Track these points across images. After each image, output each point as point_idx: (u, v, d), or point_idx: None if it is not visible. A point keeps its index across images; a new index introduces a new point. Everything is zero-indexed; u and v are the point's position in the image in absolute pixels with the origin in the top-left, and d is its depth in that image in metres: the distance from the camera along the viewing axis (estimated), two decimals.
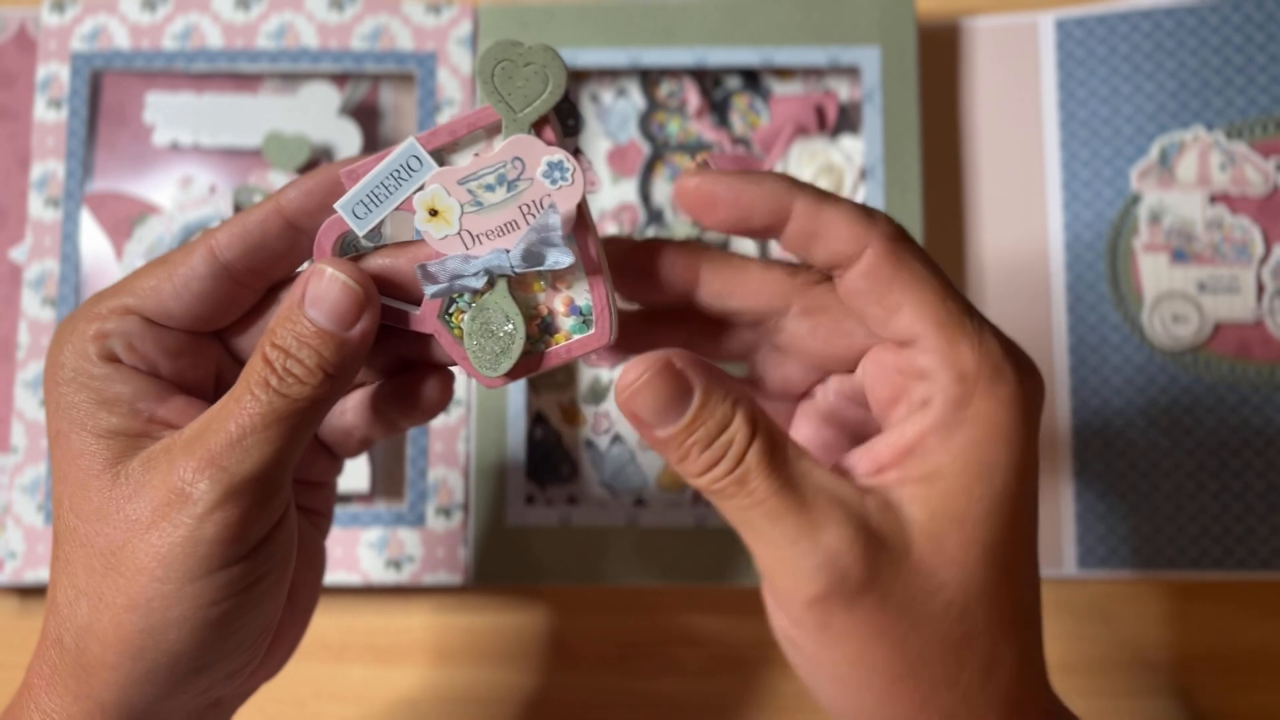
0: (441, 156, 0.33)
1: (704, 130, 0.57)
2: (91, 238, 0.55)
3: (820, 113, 0.56)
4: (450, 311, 0.34)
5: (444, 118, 0.55)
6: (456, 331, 0.34)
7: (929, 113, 0.57)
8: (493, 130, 0.32)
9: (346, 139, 0.56)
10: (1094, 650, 0.54)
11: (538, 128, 0.32)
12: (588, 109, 0.58)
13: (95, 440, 0.32)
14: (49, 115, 0.55)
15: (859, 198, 0.55)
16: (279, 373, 0.31)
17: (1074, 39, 0.56)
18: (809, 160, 0.56)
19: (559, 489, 0.55)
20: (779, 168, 0.56)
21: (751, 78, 0.58)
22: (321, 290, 0.32)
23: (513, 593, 0.55)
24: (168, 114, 0.56)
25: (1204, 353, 0.54)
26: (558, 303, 0.34)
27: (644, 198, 0.57)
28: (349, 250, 0.34)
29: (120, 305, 0.33)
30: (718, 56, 0.55)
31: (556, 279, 0.34)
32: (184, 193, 0.55)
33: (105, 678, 0.32)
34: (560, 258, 0.32)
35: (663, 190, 0.57)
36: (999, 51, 0.57)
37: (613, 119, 0.58)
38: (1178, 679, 0.53)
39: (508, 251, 0.33)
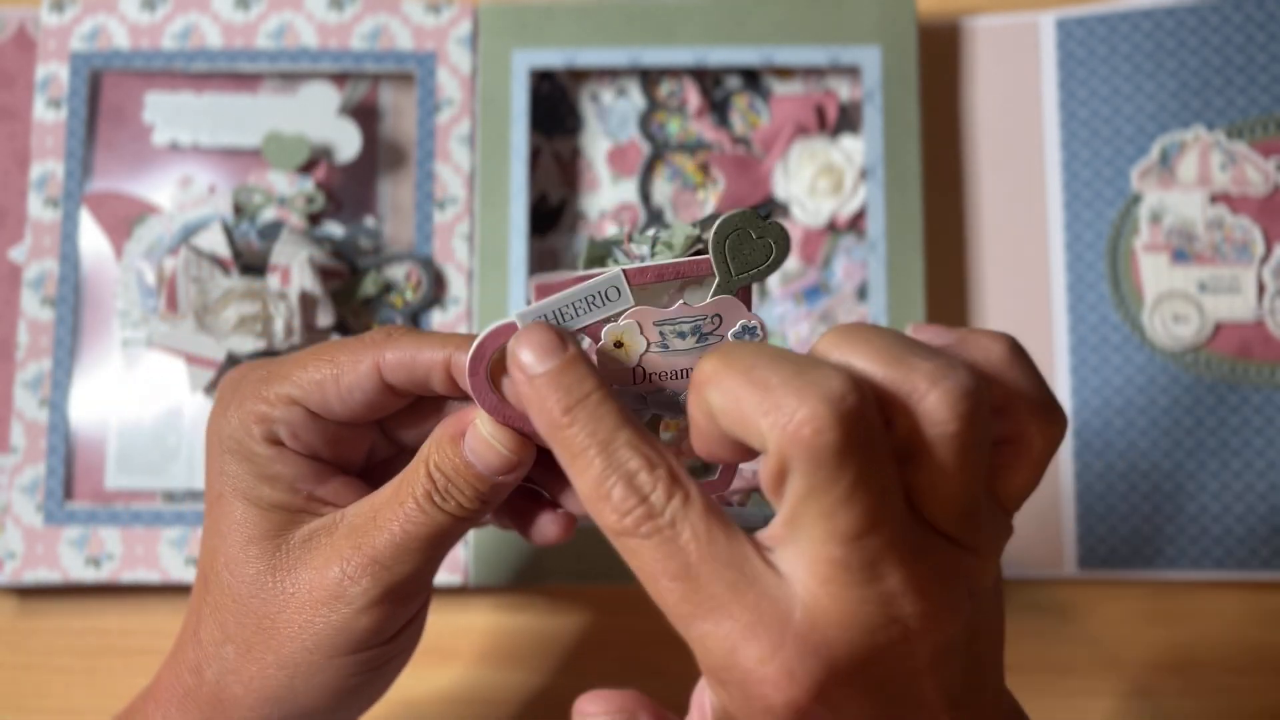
0: (634, 291, 0.33)
1: (704, 130, 0.57)
2: (91, 238, 0.55)
3: (820, 112, 0.56)
4: None
5: (443, 118, 0.55)
6: None
7: (929, 112, 0.57)
8: (691, 281, 0.33)
9: (346, 139, 0.56)
10: (1094, 650, 0.54)
11: (741, 291, 0.33)
12: (588, 109, 0.58)
13: (256, 510, 0.35)
14: (48, 115, 0.55)
15: (859, 198, 0.55)
16: (442, 493, 0.34)
17: (1075, 38, 0.56)
18: (809, 160, 0.56)
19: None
20: (779, 167, 0.56)
21: (752, 77, 0.58)
22: (476, 446, 0.33)
23: (513, 593, 0.55)
24: (167, 114, 0.56)
25: (1205, 353, 0.54)
26: (689, 444, 0.35)
27: (644, 197, 0.57)
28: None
29: (287, 395, 0.35)
30: (718, 56, 0.55)
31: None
32: (183, 192, 0.55)
33: (240, 715, 0.36)
34: None
35: (662, 190, 0.57)
36: (999, 51, 0.57)
37: (613, 119, 0.58)
38: (1178, 679, 0.53)
39: (678, 396, 0.34)
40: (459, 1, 0.57)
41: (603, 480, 0.28)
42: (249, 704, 0.35)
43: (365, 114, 0.57)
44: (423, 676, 0.54)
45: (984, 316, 0.56)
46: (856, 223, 0.56)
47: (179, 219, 0.55)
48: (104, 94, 0.56)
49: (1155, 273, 0.54)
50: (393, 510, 0.34)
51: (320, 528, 0.35)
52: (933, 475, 0.27)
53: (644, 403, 0.34)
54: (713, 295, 0.33)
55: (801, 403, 0.25)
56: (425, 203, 0.55)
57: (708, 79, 0.58)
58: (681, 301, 0.33)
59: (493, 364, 0.33)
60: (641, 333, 0.33)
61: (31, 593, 0.55)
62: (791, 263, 0.56)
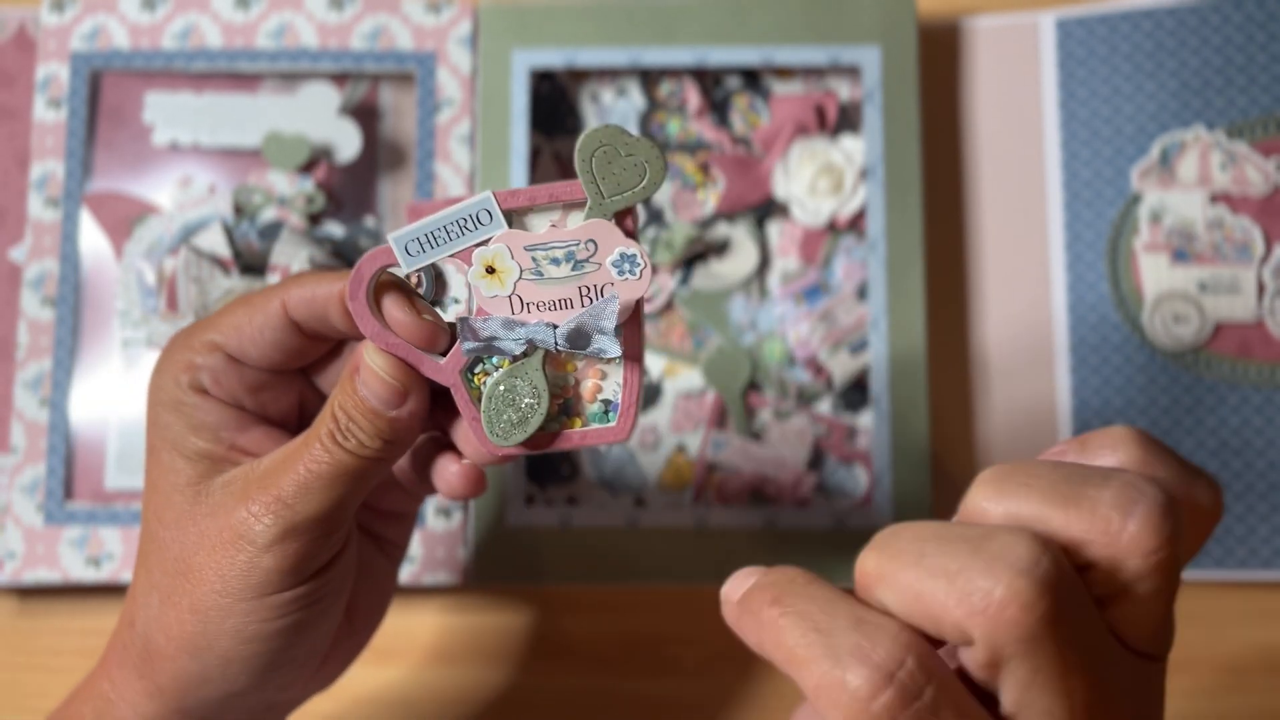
0: (510, 216, 0.32)
1: (704, 130, 0.57)
2: (91, 237, 0.55)
3: (820, 112, 0.56)
4: (475, 371, 0.34)
5: (443, 118, 0.55)
6: (475, 391, 0.34)
7: (929, 112, 0.57)
8: (571, 206, 0.32)
9: (346, 139, 0.56)
10: None
11: (619, 217, 0.32)
12: (588, 109, 0.58)
13: (183, 460, 0.36)
14: (48, 115, 0.55)
15: (859, 198, 0.55)
16: (343, 432, 0.34)
17: (1075, 38, 0.56)
18: (809, 160, 0.56)
19: (559, 489, 0.55)
20: (779, 167, 0.56)
21: (752, 77, 0.58)
22: (366, 377, 0.34)
23: (512, 593, 0.55)
24: (167, 114, 0.56)
25: (1205, 353, 0.54)
26: (585, 388, 0.34)
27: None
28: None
29: (209, 341, 0.36)
30: (718, 56, 0.55)
31: (589, 364, 0.34)
32: (183, 192, 0.55)
33: (165, 666, 0.35)
34: (608, 347, 0.32)
35: (662, 190, 0.57)
36: (999, 51, 0.57)
37: (613, 119, 0.58)
38: (1177, 679, 0.53)
39: (555, 327, 0.32)
40: (459, 1, 0.57)
41: (833, 664, 0.24)
42: (169, 654, 0.35)
43: (365, 114, 0.57)
44: (422, 676, 0.54)
45: (984, 316, 0.56)
46: (856, 223, 0.56)
47: (179, 219, 0.55)
48: (104, 94, 0.56)
49: (1155, 273, 0.54)
50: (300, 451, 0.34)
51: (238, 474, 0.35)
52: (1138, 609, 0.25)
53: (522, 335, 0.33)
54: (585, 217, 0.32)
55: (996, 581, 0.23)
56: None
57: (708, 79, 0.58)
58: (550, 224, 0.32)
59: (376, 290, 0.33)
60: (513, 258, 0.32)
61: (31, 593, 0.55)
62: (791, 263, 0.56)
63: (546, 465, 0.55)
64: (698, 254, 0.56)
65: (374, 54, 0.56)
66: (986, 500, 0.26)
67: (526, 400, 0.33)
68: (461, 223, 0.32)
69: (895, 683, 0.24)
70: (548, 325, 0.32)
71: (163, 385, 0.37)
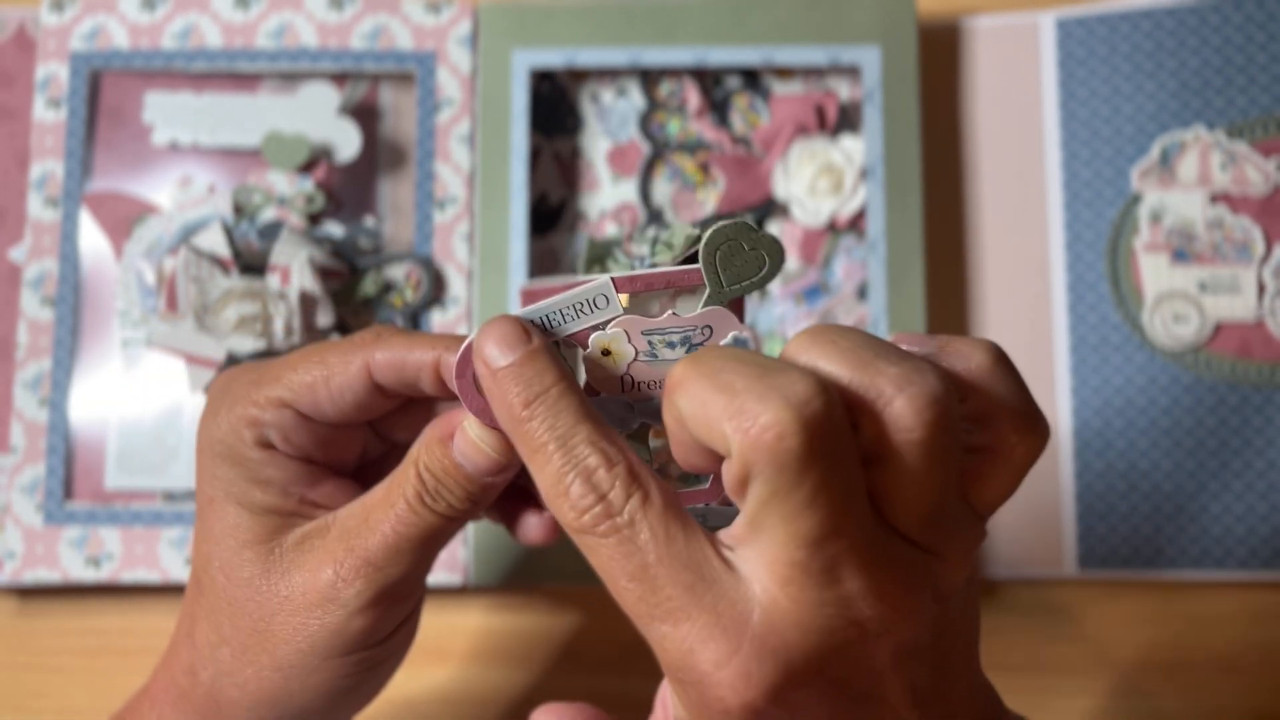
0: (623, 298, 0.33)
1: (704, 130, 0.57)
2: (91, 237, 0.55)
3: (820, 112, 0.56)
4: None
5: (443, 117, 0.55)
6: None
7: (929, 112, 0.57)
8: (682, 290, 0.33)
9: (346, 139, 0.56)
10: (1094, 650, 0.54)
11: (734, 303, 0.33)
12: (588, 109, 0.58)
13: (249, 514, 0.35)
14: (48, 115, 0.55)
15: (859, 198, 0.55)
16: (432, 494, 0.34)
17: (1075, 38, 0.56)
18: (809, 160, 0.56)
19: None
20: (779, 167, 0.56)
21: (752, 77, 0.58)
22: (465, 448, 0.34)
23: (513, 593, 0.55)
24: (167, 113, 0.56)
25: (1205, 353, 0.54)
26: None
27: (644, 197, 0.57)
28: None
29: (277, 398, 0.35)
30: (718, 56, 0.55)
31: None
32: (183, 192, 0.55)
33: (236, 716, 0.36)
34: None
35: (662, 190, 0.57)
36: (999, 51, 0.57)
37: (613, 119, 0.58)
38: (1178, 679, 0.53)
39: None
40: (459, 1, 0.57)
41: (561, 476, 0.28)
42: (245, 705, 0.35)
43: (365, 114, 0.57)
44: (423, 676, 0.54)
45: (984, 316, 0.56)
46: (856, 223, 0.56)
47: (179, 219, 0.55)
48: (104, 94, 0.56)
49: (1155, 273, 0.54)
50: (384, 512, 0.34)
51: (313, 530, 0.35)
52: (898, 481, 0.27)
53: (631, 411, 0.34)
54: (703, 306, 0.32)
55: (765, 407, 0.25)
56: (425, 203, 0.55)
57: (708, 79, 0.58)
58: (671, 312, 0.33)
59: None
60: (629, 341, 0.33)
61: (31, 593, 0.55)
62: (791, 263, 0.56)
63: None
64: (694, 256, 0.56)
65: (374, 54, 0.56)
66: (796, 348, 0.28)
67: None
68: (578, 306, 0.32)
69: (603, 501, 0.28)
70: (659, 404, 0.33)
71: (220, 437, 0.36)
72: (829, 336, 0.28)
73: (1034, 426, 0.29)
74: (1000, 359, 0.29)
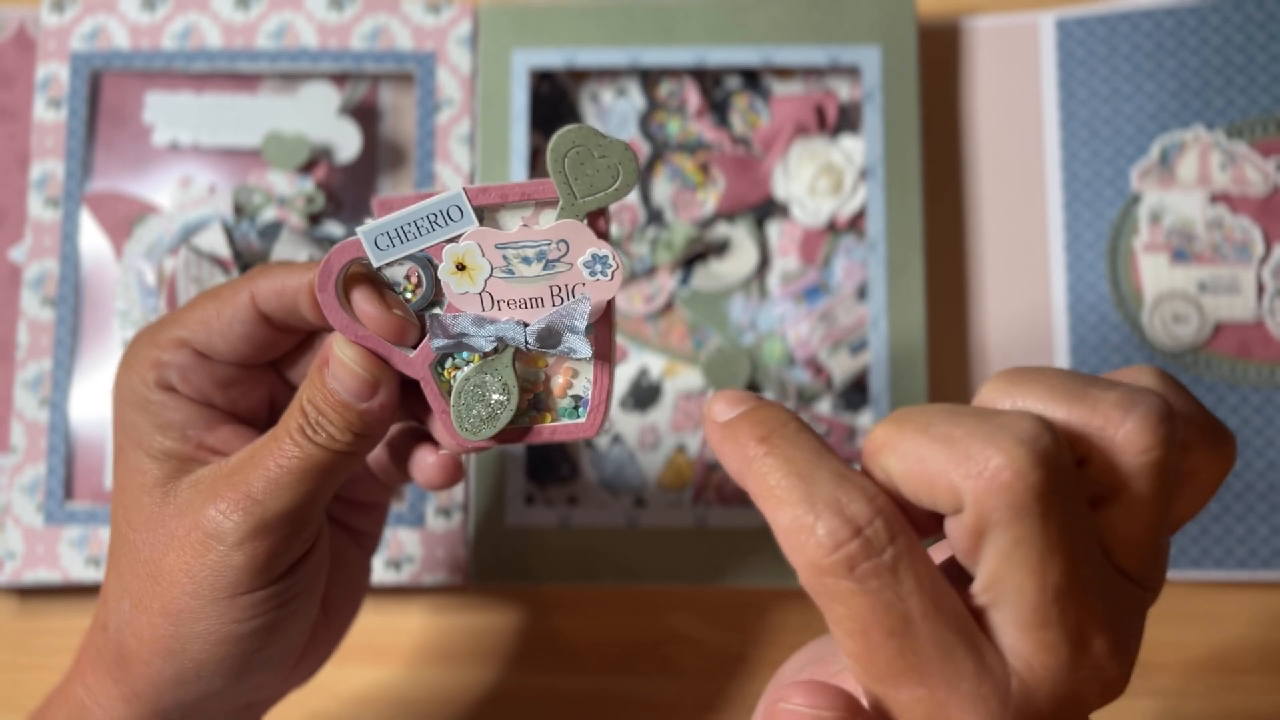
0: (481, 213, 0.32)
1: (704, 130, 0.57)
2: (91, 238, 0.55)
3: (820, 112, 0.56)
4: (445, 365, 0.34)
5: (443, 118, 0.55)
6: (445, 385, 0.34)
7: (929, 113, 0.57)
8: (543, 204, 0.32)
9: (346, 139, 0.56)
10: None
11: (592, 218, 0.32)
12: (588, 109, 0.58)
13: (150, 460, 0.35)
14: (48, 115, 0.55)
15: (859, 198, 0.55)
16: (312, 425, 0.33)
17: (1074, 39, 0.56)
18: (809, 160, 0.56)
19: (559, 489, 0.55)
20: (779, 167, 0.56)
21: (751, 77, 0.58)
22: (336, 369, 0.33)
23: (512, 593, 0.55)
24: (167, 114, 0.56)
25: (1204, 353, 0.54)
26: (556, 384, 0.34)
27: (644, 197, 0.57)
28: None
29: (176, 337, 0.35)
30: (718, 56, 0.55)
31: (560, 361, 0.34)
32: (183, 193, 0.55)
33: (139, 671, 0.35)
34: (579, 347, 0.32)
35: (662, 190, 0.57)
36: (999, 51, 0.57)
37: (613, 119, 0.58)
38: (1177, 679, 0.53)
39: (525, 326, 0.32)
40: (459, 1, 0.57)
41: (806, 510, 0.25)
42: (143, 658, 0.35)
43: (365, 114, 0.57)
44: (422, 676, 0.54)
45: (983, 316, 0.56)
46: (856, 223, 0.56)
47: (179, 219, 0.55)
48: (104, 94, 0.56)
49: (1155, 273, 0.54)
50: (268, 447, 0.34)
51: (206, 474, 0.35)
52: (1126, 514, 0.25)
53: (487, 327, 0.33)
54: (557, 217, 0.32)
55: (996, 449, 0.24)
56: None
57: (708, 79, 0.58)
58: (522, 223, 0.32)
59: (345, 283, 0.33)
60: (483, 255, 0.32)
61: (32, 593, 0.55)
62: (791, 263, 0.56)
63: (546, 465, 0.55)
64: (698, 254, 0.56)
65: (374, 54, 0.56)
66: (996, 393, 0.26)
67: (495, 396, 0.33)
68: (431, 218, 0.32)
69: (860, 537, 0.25)
70: (518, 324, 0.32)
71: (129, 384, 0.36)
72: (1029, 376, 0.26)
73: (1224, 441, 0.27)
74: (1169, 378, 0.28)
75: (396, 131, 0.57)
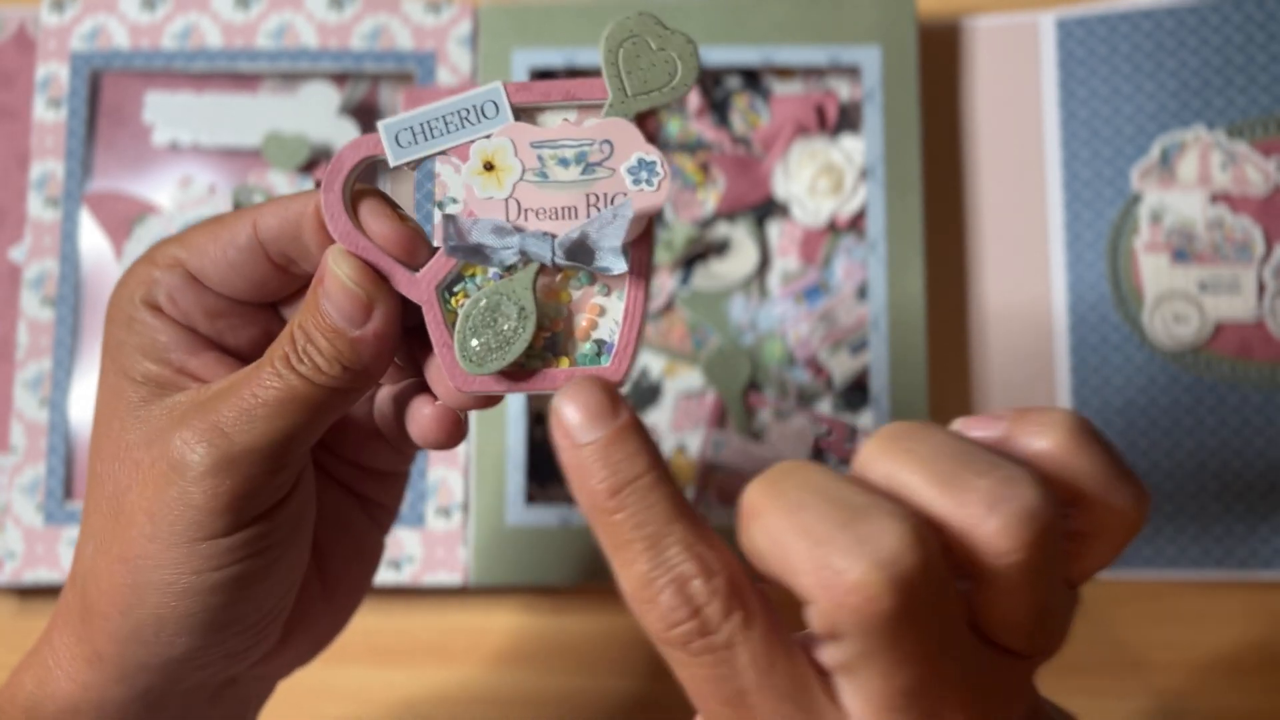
0: (518, 114, 0.29)
1: (704, 130, 0.57)
2: (91, 237, 0.55)
3: (820, 112, 0.56)
4: (454, 290, 0.30)
5: None
6: (451, 315, 0.30)
7: (929, 112, 0.57)
8: (588, 109, 0.29)
9: (346, 138, 0.56)
10: (1094, 651, 0.54)
11: (641, 120, 0.28)
12: None
13: (128, 382, 0.32)
14: (48, 115, 0.55)
15: (859, 197, 0.55)
16: (299, 354, 0.30)
17: (1075, 38, 0.56)
18: (809, 160, 0.56)
19: (559, 489, 0.55)
20: (779, 167, 0.56)
21: (752, 77, 0.58)
22: (329, 286, 0.30)
23: (513, 593, 0.55)
24: (167, 113, 0.56)
25: (1205, 353, 0.53)
26: (578, 323, 0.30)
27: None
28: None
29: (172, 256, 0.32)
30: (718, 56, 0.55)
31: (585, 298, 0.30)
32: (183, 192, 0.55)
33: (99, 625, 0.31)
34: (613, 263, 0.28)
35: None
36: (1000, 51, 0.57)
37: None
38: (1178, 680, 0.53)
39: (554, 238, 0.29)
40: (459, 1, 0.57)
41: (649, 582, 0.25)
42: (102, 612, 0.31)
43: (365, 114, 0.57)
44: (423, 676, 0.54)
45: (984, 316, 0.56)
46: (857, 222, 0.56)
47: (179, 219, 0.55)
48: (104, 94, 0.56)
49: (1155, 272, 0.54)
50: (248, 375, 0.30)
51: (182, 400, 0.31)
52: (998, 601, 0.24)
53: (511, 237, 0.29)
54: (604, 116, 0.28)
55: (853, 564, 0.23)
56: (425, 203, 0.55)
57: (708, 79, 0.58)
58: (564, 120, 0.29)
59: (353, 198, 0.30)
60: (516, 154, 0.28)
61: (31, 593, 0.55)
62: (792, 262, 0.56)
63: (547, 464, 0.55)
64: (698, 254, 0.56)
65: (374, 54, 0.56)
66: (871, 457, 0.25)
67: (510, 322, 0.29)
68: (463, 114, 0.28)
69: (698, 617, 0.25)
70: (546, 235, 0.29)
71: (119, 300, 0.32)
72: (904, 444, 0.25)
73: (1130, 503, 0.26)
74: (1081, 431, 0.26)
75: None
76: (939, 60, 0.58)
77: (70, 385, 0.54)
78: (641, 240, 0.29)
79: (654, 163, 0.28)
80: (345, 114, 0.56)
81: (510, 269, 0.29)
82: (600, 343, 0.30)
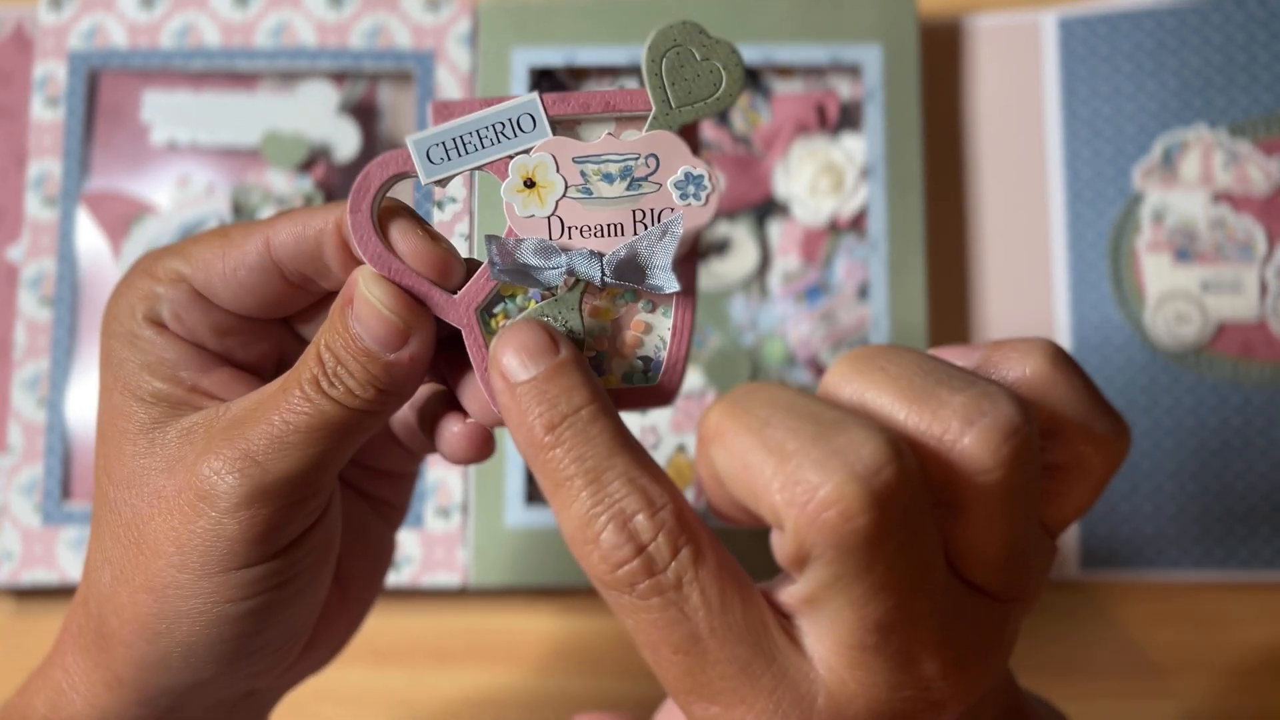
0: (556, 127, 0.28)
1: (704, 129, 0.57)
2: (89, 237, 0.55)
3: (821, 111, 0.56)
4: (493, 312, 0.29)
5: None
6: (490, 336, 0.28)
7: (931, 111, 0.57)
8: (628, 120, 0.28)
9: (345, 137, 0.56)
10: (1095, 651, 0.54)
11: (684, 132, 0.28)
12: None
13: (136, 402, 0.30)
14: (46, 114, 0.55)
15: (860, 197, 0.55)
16: (330, 377, 0.28)
17: (1076, 37, 0.56)
18: (810, 159, 0.55)
19: None
20: (779, 166, 0.56)
21: (752, 76, 0.58)
22: (361, 311, 0.28)
23: (512, 594, 0.55)
24: (165, 112, 0.56)
25: (1207, 353, 0.53)
26: (624, 340, 0.29)
27: None
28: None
29: (175, 271, 0.31)
30: None
31: (629, 314, 0.29)
32: (182, 192, 0.55)
33: (121, 654, 0.30)
34: (665, 281, 0.27)
35: None
36: (1001, 50, 0.57)
37: None
38: (1179, 680, 0.53)
39: (602, 257, 0.28)
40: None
41: (590, 520, 0.24)
42: (125, 640, 0.30)
43: (364, 112, 0.57)
44: (423, 677, 0.54)
45: (985, 316, 0.56)
46: (858, 222, 0.56)
47: (177, 218, 0.54)
48: (102, 93, 0.56)
49: (1157, 272, 0.54)
50: (275, 399, 0.29)
51: (200, 421, 0.30)
52: (973, 530, 0.23)
53: (555, 257, 0.28)
54: (648, 128, 0.27)
55: (825, 477, 0.21)
56: (424, 202, 0.55)
57: None
58: (608, 133, 0.28)
59: (380, 217, 0.28)
60: (558, 170, 0.27)
61: (29, 593, 0.55)
62: (792, 262, 0.56)
63: None
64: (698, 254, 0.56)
65: (373, 52, 0.56)
66: (841, 378, 0.24)
67: None
68: (498, 127, 0.27)
69: (643, 555, 0.23)
70: (594, 254, 0.27)
71: (118, 314, 0.31)
72: (876, 363, 0.23)
73: (1111, 433, 0.25)
74: (1058, 359, 0.25)
75: (395, 130, 0.57)
76: (940, 59, 0.57)
77: (68, 385, 0.53)
78: (687, 256, 0.29)
79: (701, 176, 0.28)
80: (344, 113, 0.56)
81: (551, 289, 0.28)
82: (646, 359, 0.29)
